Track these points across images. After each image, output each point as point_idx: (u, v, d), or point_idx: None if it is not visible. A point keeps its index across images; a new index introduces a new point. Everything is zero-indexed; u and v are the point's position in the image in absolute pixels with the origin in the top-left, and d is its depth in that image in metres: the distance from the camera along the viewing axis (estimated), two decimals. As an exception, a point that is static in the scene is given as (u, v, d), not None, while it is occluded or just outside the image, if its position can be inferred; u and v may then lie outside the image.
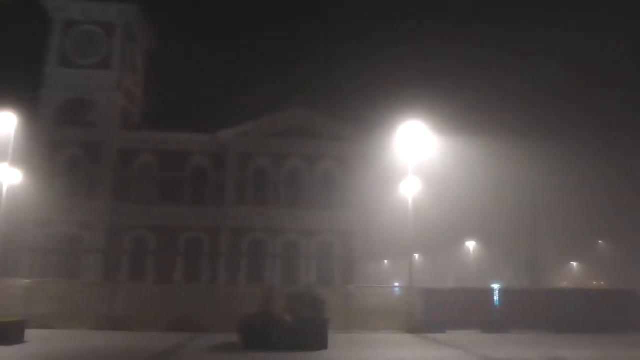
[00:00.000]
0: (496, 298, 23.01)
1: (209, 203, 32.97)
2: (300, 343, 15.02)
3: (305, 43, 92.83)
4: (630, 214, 45.99)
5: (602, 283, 57.24)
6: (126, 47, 35.65)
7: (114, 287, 23.75)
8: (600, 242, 59.48)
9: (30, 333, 16.28)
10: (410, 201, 24.35)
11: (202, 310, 20.93)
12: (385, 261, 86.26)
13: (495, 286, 30.21)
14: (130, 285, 24.78)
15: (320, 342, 15.34)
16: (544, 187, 43.79)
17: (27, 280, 21.81)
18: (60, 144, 32.78)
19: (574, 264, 65.47)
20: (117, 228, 32.15)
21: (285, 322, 15.53)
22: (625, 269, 51.51)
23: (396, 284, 43.00)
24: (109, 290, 22.46)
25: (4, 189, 24.54)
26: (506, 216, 46.60)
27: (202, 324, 20.23)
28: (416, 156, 25.14)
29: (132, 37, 36.64)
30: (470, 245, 66.33)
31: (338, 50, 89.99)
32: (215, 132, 33.43)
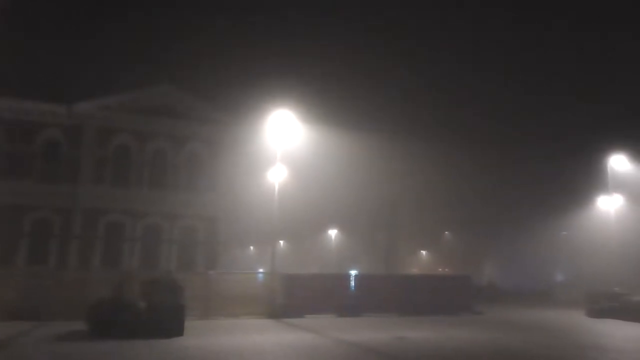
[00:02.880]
0: (352, 284, 24.36)
1: (62, 181, 30.21)
2: (154, 330, 14.52)
3: (180, 21, 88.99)
4: (471, 209, 51.37)
5: (446, 269, 63.32)
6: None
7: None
8: (446, 232, 65.67)
9: None
10: (276, 188, 24.67)
11: (48, 297, 19.27)
12: (251, 247, 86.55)
13: (353, 272, 31.90)
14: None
15: (176, 329, 14.98)
16: (402, 181, 47.09)
17: None
18: None
19: (424, 252, 71.63)
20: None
21: (138, 309, 14.90)
22: (467, 257, 57.56)
23: (260, 270, 43.34)
24: None
25: None
26: (367, 207, 49.36)
27: (48, 312, 18.63)
28: (285, 144, 25.51)
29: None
30: (333, 233, 69.26)
31: (214, 30, 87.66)
32: (72, 103, 30.66)
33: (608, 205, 34.53)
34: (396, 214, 53.79)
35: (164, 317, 14.94)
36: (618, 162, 33.11)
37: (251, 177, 34.29)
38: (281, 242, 78.18)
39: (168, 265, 28.63)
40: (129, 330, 14.30)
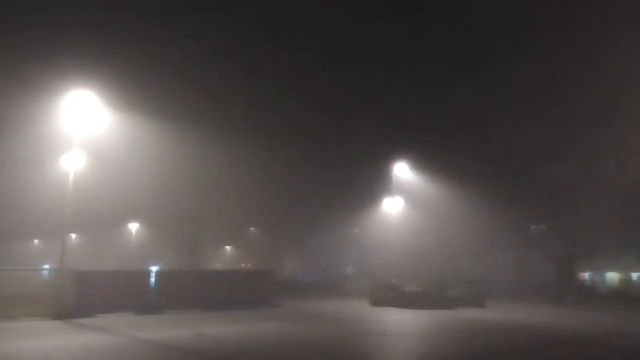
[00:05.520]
0: (153, 280, 23.39)
1: None
2: None
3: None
4: (275, 205, 53.22)
5: (249, 264, 64.73)
6: None
7: None
8: (251, 228, 67.10)
9: None
10: (71, 176, 22.41)
11: None
12: (36, 241, 77.20)
13: (153, 268, 30.64)
14: None
15: None
16: (210, 175, 46.64)
17: None
18: None
19: (228, 247, 72.15)
20: None
21: None
22: (270, 252, 59.57)
23: (46, 266, 38.86)
24: None
25: None
26: (173, 200, 47.74)
27: None
28: (84, 129, 23.33)
29: None
30: (134, 226, 65.53)
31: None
32: None
33: (391, 206, 39.20)
34: (203, 209, 53.13)
35: None
36: (401, 169, 37.99)
37: (41, 161, 30.47)
38: (73, 235, 71.11)
39: None
40: None
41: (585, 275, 41.97)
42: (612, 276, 41.88)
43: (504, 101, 39.58)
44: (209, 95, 44.79)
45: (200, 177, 46.38)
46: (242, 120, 45.60)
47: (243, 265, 65.90)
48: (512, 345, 15.31)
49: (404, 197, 39.06)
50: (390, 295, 28.77)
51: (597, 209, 34.23)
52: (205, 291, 24.29)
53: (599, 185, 33.73)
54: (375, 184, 40.99)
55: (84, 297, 20.77)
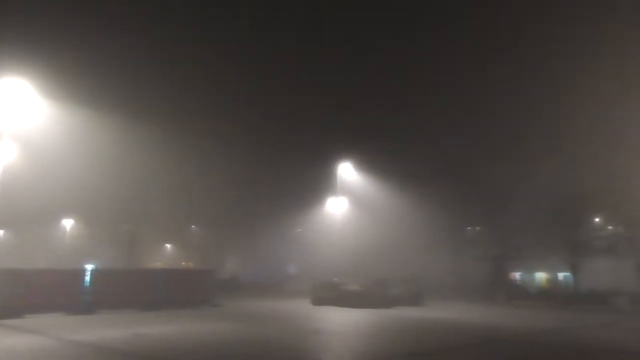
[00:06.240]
0: (87, 279, 22.54)
1: None
2: None
3: None
4: (218, 204, 52.54)
5: (190, 263, 63.53)
6: None
7: None
8: (193, 226, 65.84)
9: None
10: (0, 169, 21.26)
11: None
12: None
13: (88, 267, 29.47)
14: None
15: None
16: (150, 172, 45.47)
17: None
18: None
19: (169, 245, 70.46)
20: None
21: None
22: (212, 251, 58.64)
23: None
24: None
25: None
26: (111, 196, 46.12)
27: None
28: (16, 119, 22.17)
29: None
30: (69, 223, 62.75)
31: None
32: None
33: (335, 206, 39.56)
34: (142, 206, 51.65)
35: None
36: (345, 170, 38.36)
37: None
38: (1, 232, 67.41)
39: None
40: None
41: (516, 275, 44.09)
42: (541, 276, 44.24)
43: (449, 107, 41.06)
44: (154, 91, 43.67)
45: (140, 173, 45.13)
46: (186, 118, 44.76)
47: (184, 264, 64.59)
48: (446, 343, 15.91)
49: (348, 198, 39.51)
50: (331, 294, 29.09)
51: (528, 212, 36.11)
52: (143, 290, 23.70)
53: (532, 190, 35.61)
54: (319, 183, 41.25)
55: (9, 297, 19.76)
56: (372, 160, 39.56)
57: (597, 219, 37.31)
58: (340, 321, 21.42)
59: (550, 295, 33.85)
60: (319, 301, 28.87)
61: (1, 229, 61.46)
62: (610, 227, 37.13)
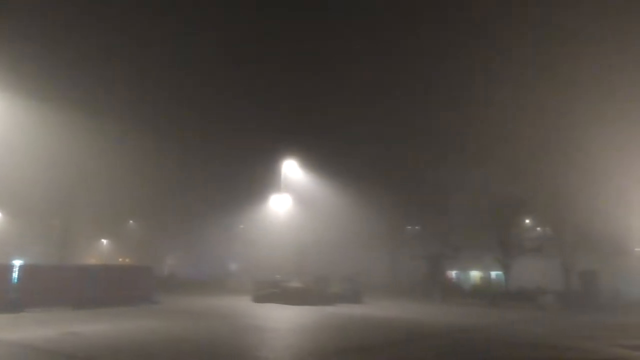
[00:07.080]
0: (15, 275, 21.45)
1: None
2: None
3: None
4: (156, 199, 51.19)
5: (127, 260, 61.48)
6: None
7: None
8: (130, 221, 63.74)
9: None
10: None
11: None
12: None
13: (16, 262, 27.99)
14: None
15: None
16: (85, 163, 43.68)
17: None
18: None
19: (105, 241, 67.86)
20: None
21: None
22: (150, 247, 57.02)
23: None
24: None
25: None
26: (41, 188, 43.88)
27: None
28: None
29: None
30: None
31: None
32: None
33: (279, 203, 39.53)
34: (75, 199, 49.45)
35: None
36: (290, 167, 38.37)
37: None
38: None
39: None
40: None
41: (452, 274, 45.71)
42: (475, 274, 46.09)
43: (395, 108, 41.95)
44: (93, 82, 41.85)
45: (74, 166, 43.26)
46: (126, 110, 43.26)
47: (121, 260, 62.47)
48: (381, 339, 16.34)
49: (291, 195, 39.56)
50: (272, 291, 29.12)
51: (465, 213, 37.60)
52: (76, 287, 22.86)
53: (469, 192, 37.09)
54: (264, 180, 41.07)
55: None
56: (316, 159, 39.85)
57: (527, 221, 39.27)
58: (281, 318, 21.52)
59: (483, 293, 35.32)
60: (260, 298, 28.83)
61: None
62: (538, 229, 39.26)
